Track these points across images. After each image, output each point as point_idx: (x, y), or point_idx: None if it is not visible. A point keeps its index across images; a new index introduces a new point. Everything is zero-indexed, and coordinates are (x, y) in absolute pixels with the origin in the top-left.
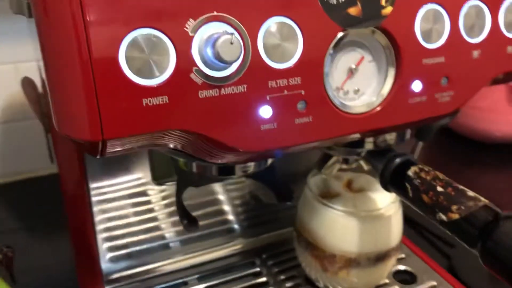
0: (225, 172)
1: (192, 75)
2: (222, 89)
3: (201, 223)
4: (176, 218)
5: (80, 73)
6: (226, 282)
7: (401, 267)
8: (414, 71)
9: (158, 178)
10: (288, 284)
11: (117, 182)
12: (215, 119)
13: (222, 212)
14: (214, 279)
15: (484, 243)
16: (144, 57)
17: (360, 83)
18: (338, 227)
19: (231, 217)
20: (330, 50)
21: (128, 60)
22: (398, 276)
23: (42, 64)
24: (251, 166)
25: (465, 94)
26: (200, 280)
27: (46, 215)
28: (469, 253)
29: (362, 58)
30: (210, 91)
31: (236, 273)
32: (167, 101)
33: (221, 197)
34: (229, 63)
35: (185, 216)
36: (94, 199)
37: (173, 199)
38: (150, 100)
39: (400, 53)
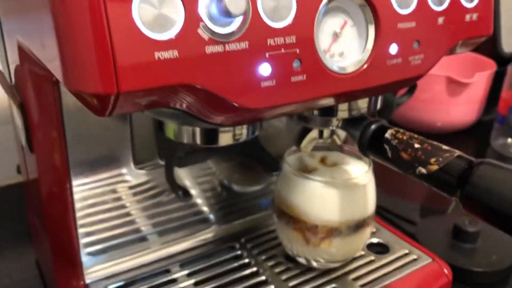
0: (214, 139)
1: (200, 31)
2: (227, 45)
3: (175, 215)
4: (153, 211)
5: (96, 23)
6: (209, 267)
7: (374, 240)
8: (390, 35)
9: (139, 162)
10: (270, 263)
11: (97, 178)
12: (221, 75)
13: (195, 205)
14: (196, 265)
15: (462, 188)
16: (155, 11)
17: (344, 47)
18: (318, 198)
19: (205, 208)
20: (319, 13)
21: (140, 12)
22: (372, 248)
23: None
24: (243, 134)
25: (432, 58)
26: (183, 267)
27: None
28: (430, 229)
29: (345, 22)
30: (216, 47)
31: (217, 257)
32: (177, 56)
33: (193, 191)
34: (234, 16)
35: (177, 188)
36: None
37: (149, 192)
38: (162, 54)
39: (379, 18)
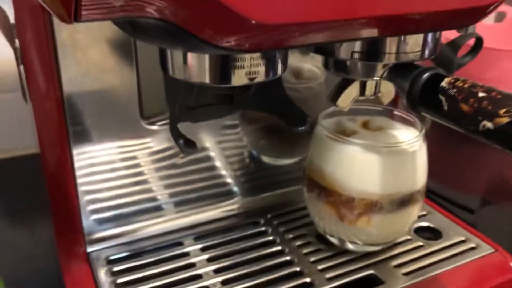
0: (225, 76)
1: None
2: None
3: (196, 185)
4: (166, 174)
5: None
6: (227, 242)
7: (424, 224)
8: None
9: (147, 116)
10: (298, 243)
11: (100, 135)
12: None
13: (220, 176)
14: (212, 239)
15: None
16: None
17: None
18: (357, 165)
19: (227, 177)
20: None
21: None
22: (421, 233)
23: None
24: (259, 72)
25: None
26: (197, 240)
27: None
28: (491, 218)
29: None
30: None
31: (237, 233)
32: None
33: (218, 162)
34: None
35: (180, 137)
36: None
37: (161, 153)
38: None
39: None
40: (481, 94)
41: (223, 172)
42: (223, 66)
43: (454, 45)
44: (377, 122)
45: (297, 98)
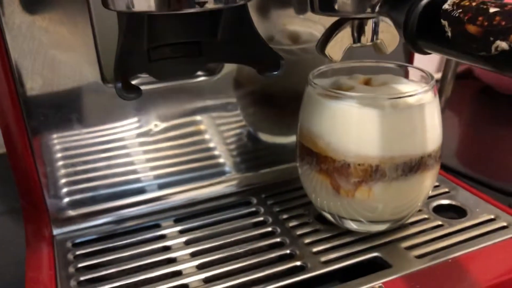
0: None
1: None
2: None
3: (172, 156)
4: (142, 148)
5: None
6: (209, 224)
7: (445, 201)
8: None
9: (110, 80)
10: (292, 223)
11: (60, 102)
12: None
13: (207, 149)
14: (194, 220)
15: None
16: None
17: None
18: (353, 123)
19: (214, 151)
20: None
21: None
22: (441, 213)
23: None
24: None
25: None
26: (177, 222)
27: None
28: None
29: None
30: None
31: (224, 214)
32: None
33: (205, 134)
34: None
35: (119, 80)
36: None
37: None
38: None
39: None
40: (492, 10)
41: (211, 146)
42: None
43: None
44: (382, 79)
45: (294, 61)
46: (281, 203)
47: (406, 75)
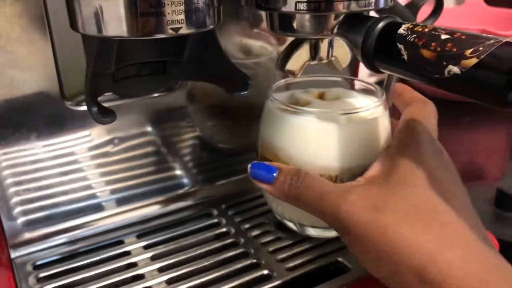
0: (146, 28)
1: None
2: None
3: (131, 171)
4: (101, 164)
5: None
6: (173, 238)
7: None
8: None
9: (71, 97)
10: (255, 232)
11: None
12: None
13: (165, 164)
14: (158, 235)
15: None
16: None
17: None
18: (311, 136)
19: (174, 164)
20: None
21: None
22: None
23: None
24: (182, 19)
25: None
26: (140, 237)
27: None
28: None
29: None
30: None
31: (187, 227)
32: None
33: (163, 148)
34: None
35: (94, 104)
36: None
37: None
38: None
39: None
40: (443, 37)
41: (169, 159)
42: (140, 14)
43: (413, 7)
44: (334, 93)
45: (248, 74)
46: (242, 213)
47: (353, 87)
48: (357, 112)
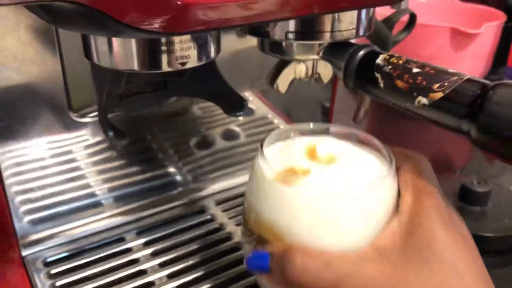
0: (157, 64)
1: None
2: None
3: (136, 178)
4: (107, 175)
5: None
6: (171, 234)
7: None
8: None
9: (77, 108)
10: None
11: (27, 134)
12: None
13: (161, 166)
14: (156, 232)
15: (475, 120)
16: None
17: None
18: (318, 215)
19: (169, 168)
20: None
21: None
22: None
23: None
24: (190, 55)
25: None
26: (140, 234)
27: None
28: None
29: None
30: None
31: (182, 223)
32: None
33: (159, 152)
34: None
35: (110, 128)
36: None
37: (96, 147)
38: None
39: None
40: (415, 70)
41: (165, 162)
42: (152, 51)
43: (389, 21)
44: (326, 147)
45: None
46: (233, 209)
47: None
48: (365, 186)
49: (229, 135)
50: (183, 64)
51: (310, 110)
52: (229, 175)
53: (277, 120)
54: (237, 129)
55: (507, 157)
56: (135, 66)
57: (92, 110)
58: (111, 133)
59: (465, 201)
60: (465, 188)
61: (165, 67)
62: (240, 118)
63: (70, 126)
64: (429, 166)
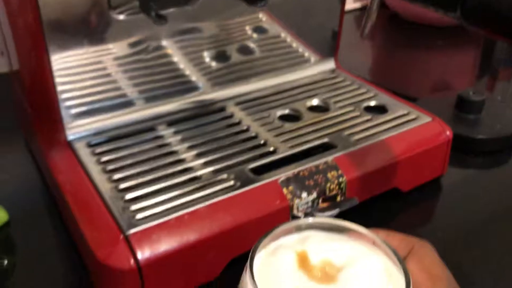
0: None
1: None
2: None
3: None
4: (137, 68)
5: None
6: (196, 126)
7: (371, 103)
8: None
9: (115, 6)
10: (261, 122)
11: (70, 32)
12: None
13: (184, 63)
14: (183, 123)
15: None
16: None
17: None
18: None
19: (195, 69)
20: None
21: None
22: (369, 111)
23: None
24: None
25: None
26: (170, 125)
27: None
28: (432, 102)
29: None
30: None
31: (205, 118)
32: None
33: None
34: None
35: (152, 10)
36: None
37: (132, 48)
38: None
39: None
40: None
41: (190, 65)
42: None
43: None
44: (317, 255)
45: None
46: (250, 108)
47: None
48: None
49: (245, 50)
50: None
51: (321, 34)
52: (245, 82)
53: (289, 39)
54: (252, 45)
55: (493, 32)
56: None
57: (129, 8)
58: (153, 14)
59: (462, 109)
60: (462, 98)
61: None
62: (255, 35)
63: (109, 25)
64: (434, 252)
